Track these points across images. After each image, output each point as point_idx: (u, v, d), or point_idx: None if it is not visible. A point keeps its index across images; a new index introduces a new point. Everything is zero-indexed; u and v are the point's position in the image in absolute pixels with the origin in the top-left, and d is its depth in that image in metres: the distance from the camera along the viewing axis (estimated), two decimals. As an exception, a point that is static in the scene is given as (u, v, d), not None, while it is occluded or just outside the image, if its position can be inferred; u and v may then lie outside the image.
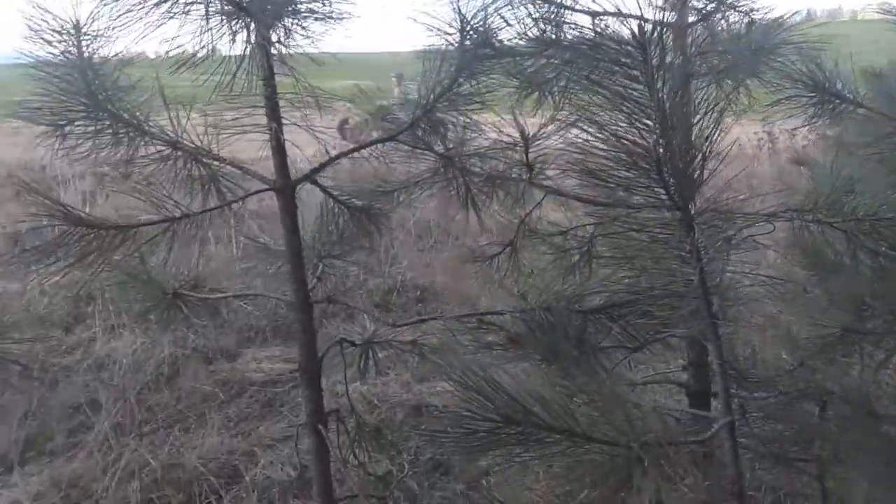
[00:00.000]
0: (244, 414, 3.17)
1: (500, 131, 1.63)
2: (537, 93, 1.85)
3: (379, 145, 1.61)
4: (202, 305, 1.70)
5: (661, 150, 1.05)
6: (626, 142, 1.03)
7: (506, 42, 1.70)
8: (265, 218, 4.84)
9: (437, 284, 4.70)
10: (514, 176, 1.73)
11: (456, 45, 1.63)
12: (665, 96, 1.09)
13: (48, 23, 1.34)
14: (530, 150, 1.67)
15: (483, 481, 2.53)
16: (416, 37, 1.68)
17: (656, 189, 1.08)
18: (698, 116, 1.12)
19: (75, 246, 1.27)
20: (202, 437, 2.88)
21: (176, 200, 1.38)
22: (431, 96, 1.60)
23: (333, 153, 1.55)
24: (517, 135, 1.67)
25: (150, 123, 1.38)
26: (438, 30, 1.62)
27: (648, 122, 1.08)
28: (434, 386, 3.36)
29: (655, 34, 1.17)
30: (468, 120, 1.69)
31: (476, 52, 1.63)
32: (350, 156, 1.63)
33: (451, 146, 1.72)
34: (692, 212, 1.12)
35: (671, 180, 1.06)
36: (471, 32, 1.64)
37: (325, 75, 1.41)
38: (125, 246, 1.31)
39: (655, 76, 1.11)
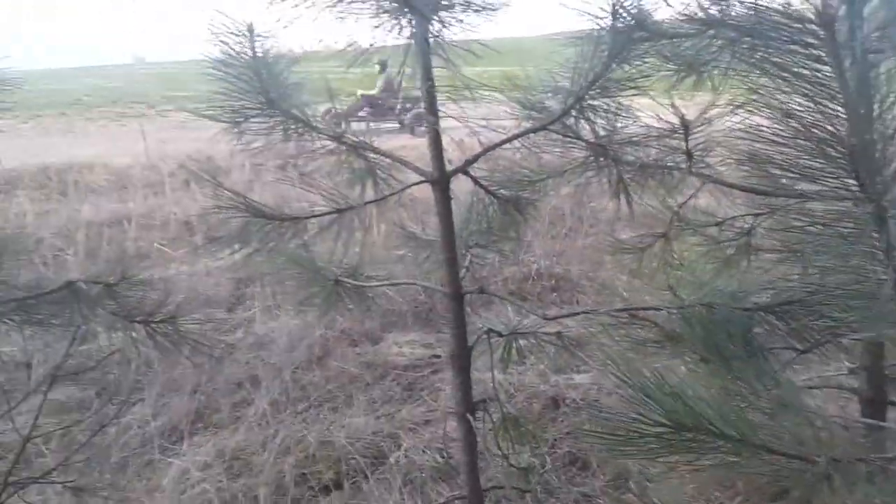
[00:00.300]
0: (387, 396, 3.26)
1: (660, 118, 1.56)
2: (694, 76, 1.75)
3: (531, 135, 1.59)
4: (356, 292, 1.77)
5: (852, 137, 0.95)
6: (815, 130, 0.95)
7: (661, 22, 1.62)
8: (404, 206, 4.97)
9: (573, 273, 4.63)
10: (670, 164, 1.65)
11: (608, 28, 1.57)
12: (855, 78, 0.99)
13: (226, 26, 1.44)
14: (690, 137, 1.58)
15: (626, 479, 2.46)
16: (563, 21, 1.63)
17: (846, 179, 0.98)
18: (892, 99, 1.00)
19: (256, 235, 1.37)
20: (349, 417, 3.00)
21: (341, 192, 1.45)
22: (583, 83, 1.56)
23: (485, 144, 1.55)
24: (674, 120, 1.59)
25: (317, 119, 1.45)
26: (589, 13, 1.57)
27: (837, 106, 0.99)
28: (571, 378, 3.31)
29: (842, 10, 1.06)
30: (620, 107, 1.63)
31: (630, 35, 1.56)
32: (501, 146, 1.62)
33: (602, 134, 1.66)
34: (885, 205, 1.01)
35: (864, 170, 0.97)
36: (624, 15, 1.57)
37: (468, 62, 1.40)
38: (298, 235, 1.40)
39: (843, 56, 1.01)
